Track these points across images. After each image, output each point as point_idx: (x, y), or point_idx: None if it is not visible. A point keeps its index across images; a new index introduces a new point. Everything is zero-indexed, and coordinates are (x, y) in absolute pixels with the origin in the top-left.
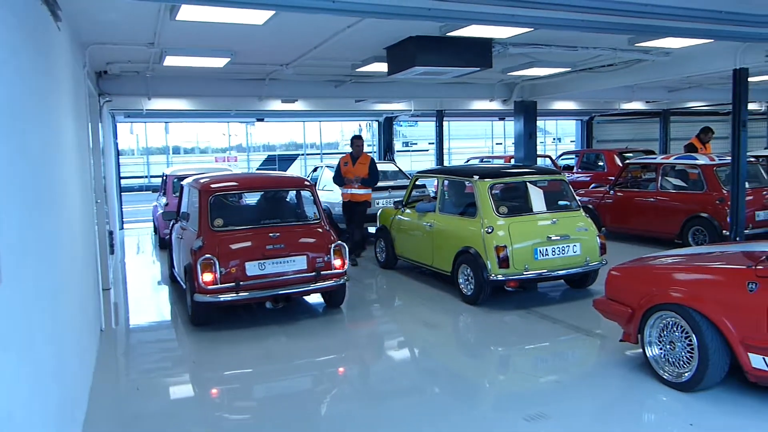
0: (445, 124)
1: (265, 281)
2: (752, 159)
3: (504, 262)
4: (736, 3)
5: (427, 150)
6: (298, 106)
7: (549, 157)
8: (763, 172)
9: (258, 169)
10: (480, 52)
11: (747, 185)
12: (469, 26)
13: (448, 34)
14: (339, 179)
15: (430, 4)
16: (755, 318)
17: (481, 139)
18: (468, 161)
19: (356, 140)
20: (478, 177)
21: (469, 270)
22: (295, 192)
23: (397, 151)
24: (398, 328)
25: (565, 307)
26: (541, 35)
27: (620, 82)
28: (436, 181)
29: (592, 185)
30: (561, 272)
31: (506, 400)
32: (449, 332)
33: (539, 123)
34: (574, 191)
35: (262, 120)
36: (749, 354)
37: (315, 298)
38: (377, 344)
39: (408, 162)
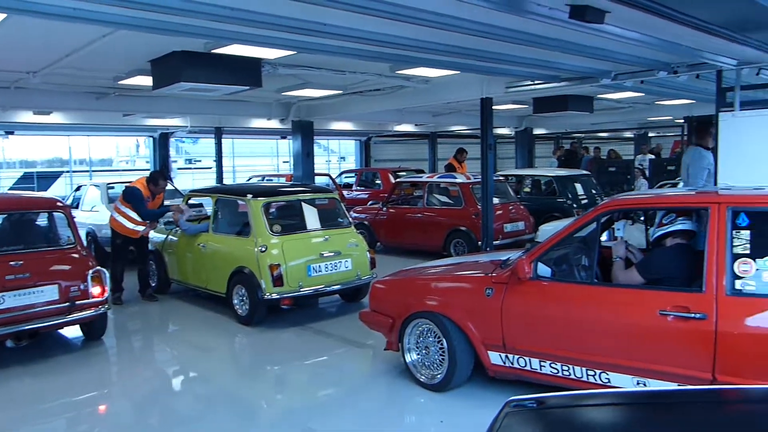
0: (228, 141)
1: (4, 317)
2: (501, 178)
3: (278, 281)
4: (479, 41)
5: (212, 168)
6: (55, 118)
7: (328, 175)
8: (510, 189)
9: (11, 188)
10: (249, 70)
11: (497, 201)
12: (232, 45)
13: (213, 51)
14: (150, 214)
15: (180, 20)
16: (492, 320)
17: (268, 157)
18: (250, 179)
19: (160, 179)
20: (251, 196)
21: (243, 290)
22: (46, 214)
23: (179, 169)
24: (171, 356)
25: (340, 321)
26: (309, 58)
27: (389, 105)
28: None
29: (370, 202)
30: (334, 287)
31: (283, 418)
32: (225, 355)
33: (324, 142)
34: (355, 208)
35: (12, 133)
36: (489, 352)
37: (74, 331)
38: (147, 375)
39: (190, 180)
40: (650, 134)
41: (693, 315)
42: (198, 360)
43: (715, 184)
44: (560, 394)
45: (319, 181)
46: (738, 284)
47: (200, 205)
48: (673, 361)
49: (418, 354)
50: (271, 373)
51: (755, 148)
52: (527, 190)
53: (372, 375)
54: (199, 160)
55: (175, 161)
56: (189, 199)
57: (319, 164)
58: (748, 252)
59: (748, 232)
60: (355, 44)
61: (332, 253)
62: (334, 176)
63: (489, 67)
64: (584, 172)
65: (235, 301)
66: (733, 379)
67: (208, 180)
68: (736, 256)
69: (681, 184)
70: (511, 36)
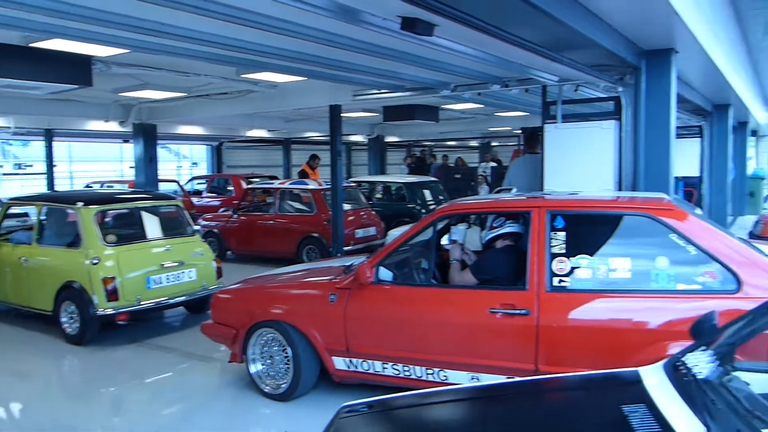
0: (64, 144)
1: None
2: (353, 184)
3: (113, 295)
4: (324, 49)
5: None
6: None
7: (176, 181)
8: (362, 195)
9: None
10: (77, 68)
11: (348, 207)
12: (54, 39)
13: (32, 45)
14: None
15: None
16: (336, 326)
17: (112, 162)
18: (87, 186)
19: None
20: (82, 204)
21: (73, 307)
22: None
23: (5, 175)
24: None
25: (183, 335)
26: (147, 58)
27: (237, 110)
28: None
29: (221, 209)
30: (178, 299)
31: None
32: (53, 379)
33: (174, 147)
34: (204, 216)
35: None
36: (333, 358)
37: None
38: None
39: (18, 187)
40: (493, 143)
41: (518, 311)
42: (21, 388)
43: (542, 189)
44: (392, 396)
45: (166, 187)
46: (556, 281)
47: (25, 214)
48: (502, 355)
49: (263, 364)
50: (107, 396)
51: (575, 157)
52: (379, 196)
53: (217, 389)
54: (30, 165)
55: (1, 166)
56: (8, 208)
57: (169, 170)
58: (564, 251)
59: (563, 233)
60: (197, 46)
61: (175, 264)
62: (183, 182)
63: (335, 74)
64: (432, 178)
65: (64, 320)
66: (553, 368)
67: (41, 187)
68: (554, 256)
69: (514, 190)
70: (355, 45)
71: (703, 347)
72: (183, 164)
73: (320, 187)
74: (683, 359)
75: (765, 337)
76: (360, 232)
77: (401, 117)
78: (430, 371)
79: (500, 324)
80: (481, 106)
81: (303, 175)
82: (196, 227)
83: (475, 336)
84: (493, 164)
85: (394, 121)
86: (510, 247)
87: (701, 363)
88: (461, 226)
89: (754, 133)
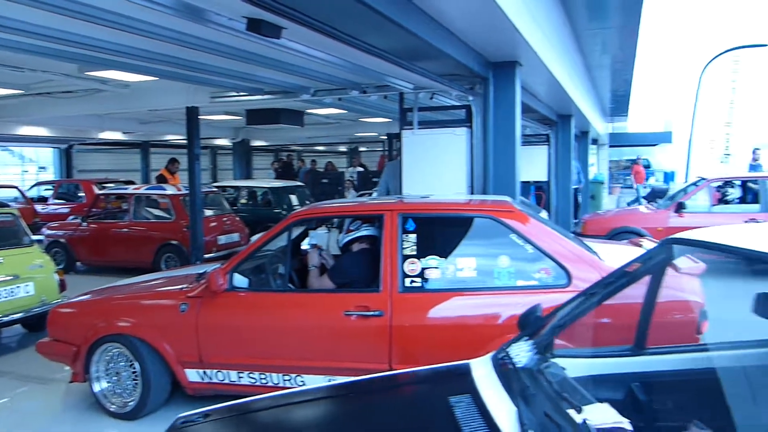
0: None
1: None
2: (215, 189)
3: None
4: (176, 49)
5: None
6: None
7: (16, 187)
8: (224, 200)
9: None
10: None
11: (210, 213)
12: None
13: None
14: None
15: None
16: (188, 336)
17: None
18: None
19: None
20: None
21: None
22: None
23: None
24: None
25: (20, 356)
26: None
27: (85, 110)
28: None
29: (70, 217)
30: (13, 317)
31: None
32: None
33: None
34: (49, 224)
35: None
36: (186, 370)
37: None
38: None
39: None
40: (361, 148)
41: (372, 313)
42: None
43: (401, 193)
44: (229, 403)
45: (4, 194)
46: (408, 282)
47: None
48: (357, 356)
49: (109, 382)
50: None
51: (431, 161)
52: (244, 201)
53: (58, 413)
54: None
55: None
56: None
57: (12, 175)
58: (415, 253)
59: (414, 235)
60: (31, 39)
61: (8, 278)
62: (26, 188)
63: (190, 75)
64: (299, 183)
65: None
66: (405, 367)
67: None
68: (406, 257)
69: (375, 194)
70: (206, 46)
71: (526, 337)
72: (29, 168)
73: (179, 193)
74: (507, 350)
75: (581, 323)
76: (223, 239)
77: (265, 121)
78: (287, 377)
79: (355, 326)
80: (345, 111)
81: (161, 179)
82: (37, 237)
83: (332, 339)
84: (360, 169)
85: (257, 124)
86: (366, 250)
87: (522, 352)
88: (321, 231)
89: (594, 141)
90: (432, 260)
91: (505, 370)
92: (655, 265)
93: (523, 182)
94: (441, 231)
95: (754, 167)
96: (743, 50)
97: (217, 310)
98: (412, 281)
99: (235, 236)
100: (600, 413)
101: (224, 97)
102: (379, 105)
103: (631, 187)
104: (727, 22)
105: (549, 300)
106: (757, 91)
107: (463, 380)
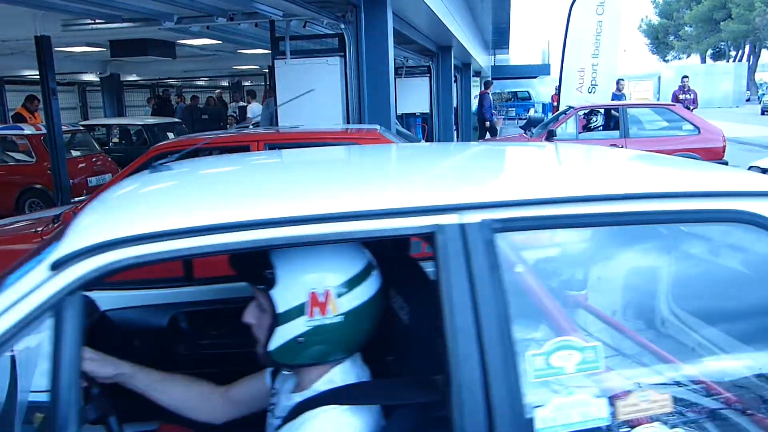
0: None
1: None
2: (81, 128)
3: None
4: None
5: None
6: None
7: None
8: (93, 140)
9: None
10: None
11: (78, 153)
12: None
13: None
14: None
15: None
16: None
17: None
18: None
19: None
20: None
21: None
22: None
23: None
24: None
25: None
26: None
27: None
28: None
29: None
30: None
31: None
32: None
33: None
34: None
35: None
36: None
37: None
38: None
39: None
40: (245, 83)
41: None
42: None
43: (277, 125)
44: None
45: None
46: None
47: None
48: None
49: None
50: None
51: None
52: (116, 140)
53: None
54: None
55: None
56: None
57: None
58: None
59: None
60: None
61: None
62: None
63: (39, 1)
64: (176, 119)
65: None
66: None
67: None
68: None
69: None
70: None
71: None
72: None
73: (38, 132)
74: None
75: None
76: (93, 180)
77: (131, 52)
78: None
79: None
80: (220, 42)
81: (19, 119)
82: None
83: None
84: (243, 104)
85: (123, 57)
86: None
87: None
88: None
89: (478, 74)
90: None
91: None
92: None
93: (409, 114)
94: None
95: (617, 96)
96: None
97: None
98: None
99: (107, 177)
100: None
101: (78, 25)
102: (254, 34)
103: (513, 118)
104: None
105: None
106: (621, 24)
107: None
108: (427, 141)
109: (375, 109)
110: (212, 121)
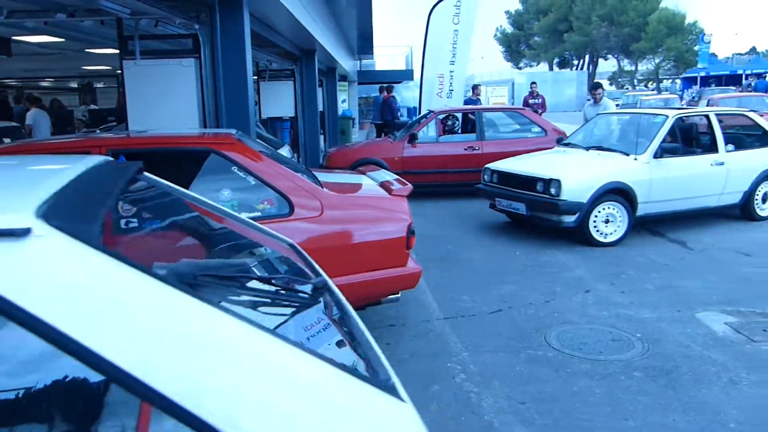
0: None
1: None
2: None
3: None
4: None
5: None
6: None
7: None
8: None
9: None
10: None
11: None
12: None
13: None
14: None
15: None
16: None
17: None
18: None
19: None
20: None
21: None
22: None
23: None
24: None
25: None
26: None
27: None
28: None
29: None
30: None
31: None
32: None
33: None
34: None
35: None
36: None
37: None
38: None
39: None
40: (97, 84)
41: None
42: None
43: (127, 129)
44: None
45: None
46: (122, 223)
47: None
48: None
49: None
50: None
51: (159, 95)
52: None
53: None
54: None
55: None
56: None
57: None
58: None
59: None
60: None
61: None
62: None
63: None
64: (15, 124)
65: None
66: None
67: None
68: None
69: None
70: None
71: None
72: None
73: None
74: None
75: None
76: None
77: None
78: None
79: None
80: (62, 39)
81: None
82: None
83: None
84: (94, 107)
85: None
86: None
87: None
88: None
89: (344, 78)
90: None
91: None
92: None
93: (276, 118)
94: (159, 166)
95: (473, 101)
96: None
97: None
98: (128, 221)
99: None
100: None
101: None
102: (102, 33)
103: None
104: None
105: (273, 228)
106: (473, 34)
107: None
108: (293, 145)
109: (233, 113)
110: (57, 125)
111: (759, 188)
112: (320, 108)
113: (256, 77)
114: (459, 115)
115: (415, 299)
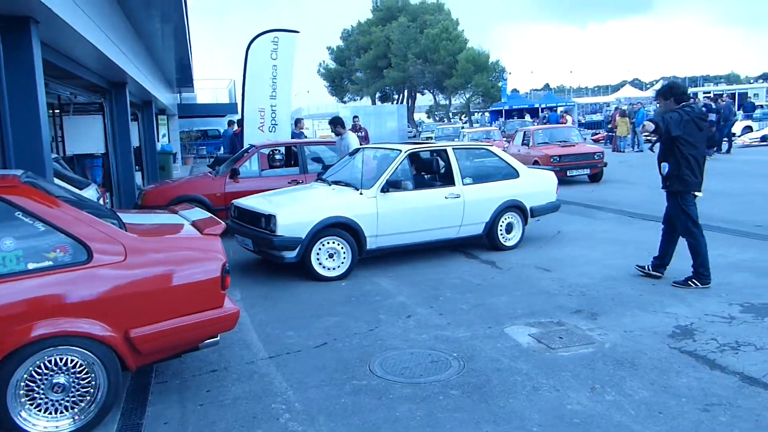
0: None
1: None
2: None
3: None
4: None
5: None
6: None
7: None
8: None
9: None
10: None
11: None
12: None
13: None
14: None
15: None
16: None
17: None
18: None
19: None
20: None
21: None
22: None
23: None
24: None
25: None
26: None
27: None
28: None
29: None
30: None
31: None
32: None
33: None
34: None
35: None
36: None
37: None
38: None
39: None
40: None
41: None
42: None
43: None
44: None
45: None
46: None
47: None
48: None
49: None
50: None
51: None
52: None
53: None
54: None
55: None
56: None
57: None
58: None
59: None
60: None
61: None
62: None
63: None
64: None
65: None
66: None
67: None
68: None
69: None
70: None
71: None
72: None
73: None
74: None
75: None
76: None
77: None
78: None
79: None
80: None
81: None
82: None
83: None
84: None
85: None
86: None
87: None
88: None
89: (163, 111)
90: None
91: None
92: None
93: (84, 155)
94: None
95: (296, 135)
96: (281, 33)
97: None
98: None
99: None
100: None
101: None
102: None
103: (204, 156)
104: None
105: (68, 279)
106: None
107: None
108: (103, 185)
109: (24, 152)
110: None
111: (502, 219)
112: (136, 143)
113: (57, 111)
114: (282, 150)
115: (239, 340)
